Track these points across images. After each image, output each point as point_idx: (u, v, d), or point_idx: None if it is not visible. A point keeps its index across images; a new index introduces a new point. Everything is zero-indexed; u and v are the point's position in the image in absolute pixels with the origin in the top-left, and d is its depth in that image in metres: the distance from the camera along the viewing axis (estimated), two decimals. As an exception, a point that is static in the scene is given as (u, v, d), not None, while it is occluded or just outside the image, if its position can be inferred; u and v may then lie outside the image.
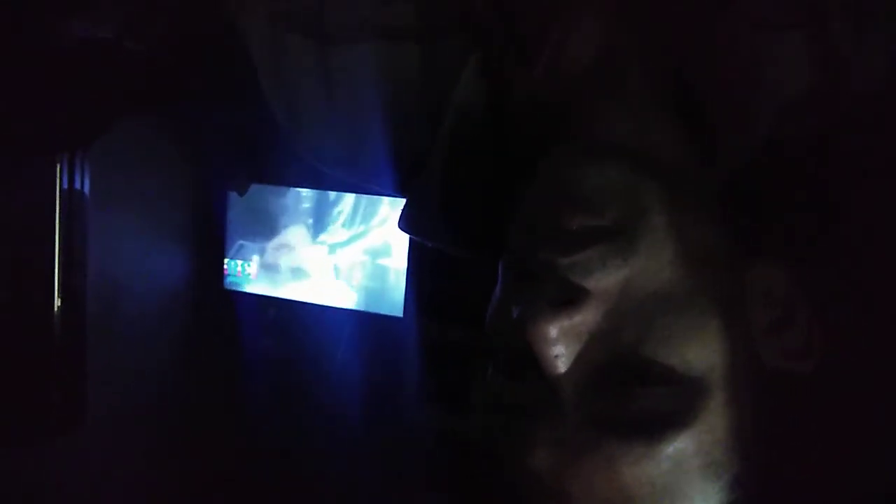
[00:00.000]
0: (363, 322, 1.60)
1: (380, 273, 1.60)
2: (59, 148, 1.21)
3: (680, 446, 0.30)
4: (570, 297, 0.32)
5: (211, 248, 1.71)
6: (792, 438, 0.32)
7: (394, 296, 1.58)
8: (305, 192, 1.65)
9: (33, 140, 1.13)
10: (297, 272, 1.68)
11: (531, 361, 0.33)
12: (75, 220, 1.25)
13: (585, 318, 0.32)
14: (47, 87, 1.01)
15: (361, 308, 1.61)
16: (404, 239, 1.59)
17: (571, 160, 0.36)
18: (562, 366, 0.31)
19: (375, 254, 1.61)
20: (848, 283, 0.32)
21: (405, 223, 0.50)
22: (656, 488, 0.30)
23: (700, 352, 0.31)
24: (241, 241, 1.72)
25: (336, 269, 1.65)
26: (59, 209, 1.22)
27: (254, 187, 1.68)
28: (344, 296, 1.64)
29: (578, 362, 0.32)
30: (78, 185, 1.25)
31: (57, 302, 1.21)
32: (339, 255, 1.64)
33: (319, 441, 1.53)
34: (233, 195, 1.70)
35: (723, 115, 0.34)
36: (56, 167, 1.21)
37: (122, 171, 1.43)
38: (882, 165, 0.32)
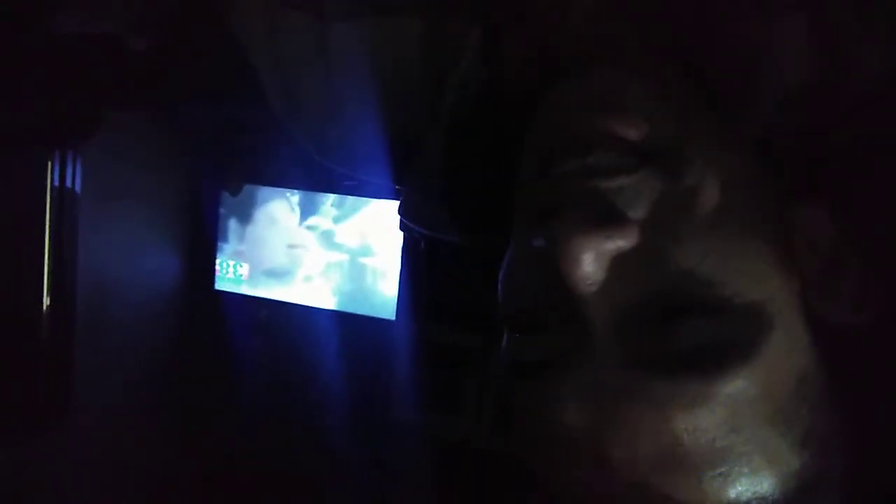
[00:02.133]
0: (353, 324, 1.59)
1: (369, 276, 1.60)
2: (50, 145, 1.20)
3: (741, 386, 0.25)
4: (603, 219, 0.28)
5: (202, 248, 1.70)
6: (860, 395, 0.28)
7: (386, 299, 1.57)
8: (298, 193, 1.65)
9: (24, 136, 1.12)
10: (288, 274, 1.67)
11: (555, 309, 0.29)
12: (66, 218, 1.24)
13: (625, 244, 0.27)
14: (39, 83, 1.00)
15: (352, 310, 1.60)
16: (396, 242, 1.59)
17: (599, 74, 0.31)
18: (594, 290, 0.27)
19: (365, 257, 1.60)
20: None
21: (404, 211, 0.48)
22: (716, 440, 0.25)
23: (758, 281, 0.27)
24: (233, 243, 1.71)
25: (327, 271, 1.64)
26: (50, 207, 1.21)
27: (247, 188, 1.67)
28: (334, 298, 1.63)
29: (614, 297, 0.28)
30: (69, 183, 1.24)
31: (45, 300, 1.20)
32: (331, 256, 1.63)
33: (308, 442, 1.52)
34: (225, 195, 1.69)
35: (723, 97, 0.32)
36: (47, 164, 1.20)
37: (115, 169, 1.42)
38: None
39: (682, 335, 0.26)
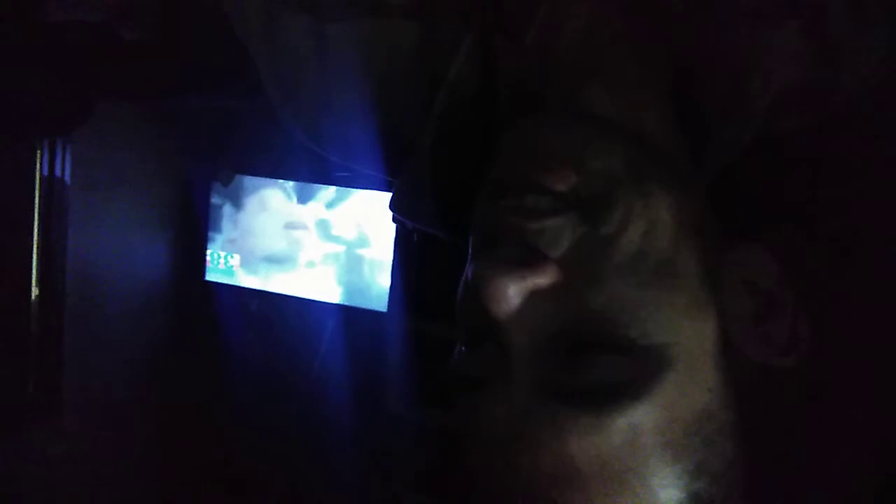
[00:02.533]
0: (346, 316, 1.59)
1: (363, 267, 1.60)
2: (39, 134, 1.19)
3: (633, 420, 0.28)
4: (530, 260, 0.31)
5: (193, 238, 1.70)
6: (768, 433, 0.31)
7: (378, 290, 1.57)
8: (290, 184, 1.64)
9: (13, 125, 1.11)
10: (280, 265, 1.67)
11: (488, 331, 0.31)
12: (55, 208, 1.23)
13: (542, 282, 0.30)
14: (29, 72, 0.99)
15: (345, 302, 1.60)
16: (389, 234, 1.59)
17: (547, 121, 0.34)
18: (510, 323, 0.30)
19: (358, 248, 1.60)
20: (839, 278, 0.31)
21: (395, 206, 0.49)
22: (606, 465, 0.28)
23: (663, 325, 0.29)
24: (223, 233, 1.70)
25: (320, 262, 1.64)
26: (39, 197, 1.20)
27: (237, 178, 1.66)
28: (327, 290, 1.63)
29: (532, 327, 0.31)
30: (59, 173, 1.23)
31: (34, 291, 1.19)
32: (323, 247, 1.63)
33: (301, 434, 1.52)
34: (216, 185, 1.68)
35: (715, 103, 0.33)
36: (36, 153, 1.19)
37: (105, 159, 1.41)
38: (879, 156, 0.30)
39: (585, 369, 0.29)
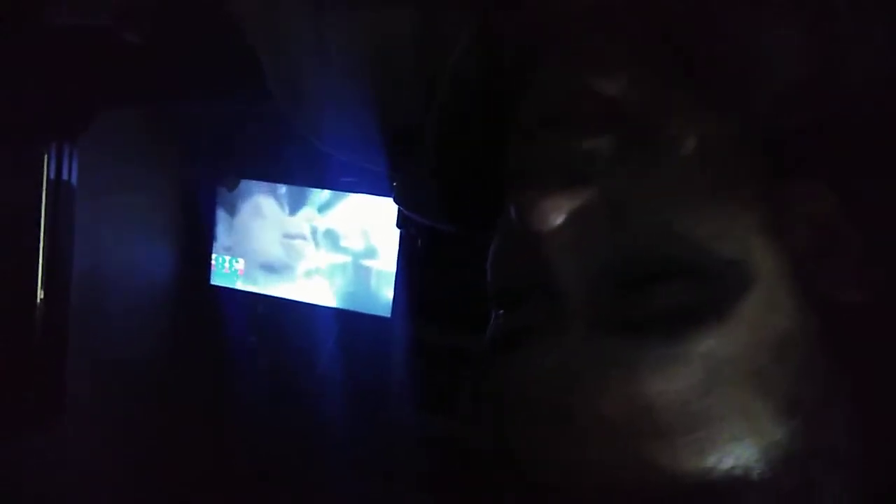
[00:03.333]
0: (350, 321, 1.59)
1: (367, 272, 1.59)
2: (47, 138, 1.20)
3: (714, 346, 0.25)
4: (568, 181, 0.28)
5: (198, 243, 1.70)
6: (857, 373, 0.27)
7: (382, 295, 1.57)
8: (295, 188, 1.64)
9: (21, 129, 1.12)
10: (284, 269, 1.67)
11: (533, 283, 0.29)
12: (61, 211, 1.23)
13: (591, 203, 0.27)
14: (37, 77, 1.00)
15: (349, 307, 1.60)
16: (394, 239, 1.59)
17: (587, 43, 0.31)
18: (561, 249, 0.27)
19: (362, 255, 1.60)
20: None
21: (400, 198, 0.48)
22: (690, 403, 0.25)
23: (735, 240, 0.26)
24: (227, 237, 1.71)
25: (324, 267, 1.64)
26: (46, 200, 1.20)
27: (243, 183, 1.67)
28: (331, 294, 1.63)
29: (583, 262, 0.27)
30: (66, 177, 1.24)
31: (40, 294, 1.19)
32: (327, 253, 1.63)
33: (304, 440, 1.52)
34: (222, 190, 1.69)
35: (717, 96, 0.31)
36: (43, 157, 1.19)
37: (111, 163, 1.41)
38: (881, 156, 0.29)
39: (653, 296, 0.26)
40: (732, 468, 0.25)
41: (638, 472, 0.25)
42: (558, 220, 0.27)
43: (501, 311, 0.32)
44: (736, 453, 0.25)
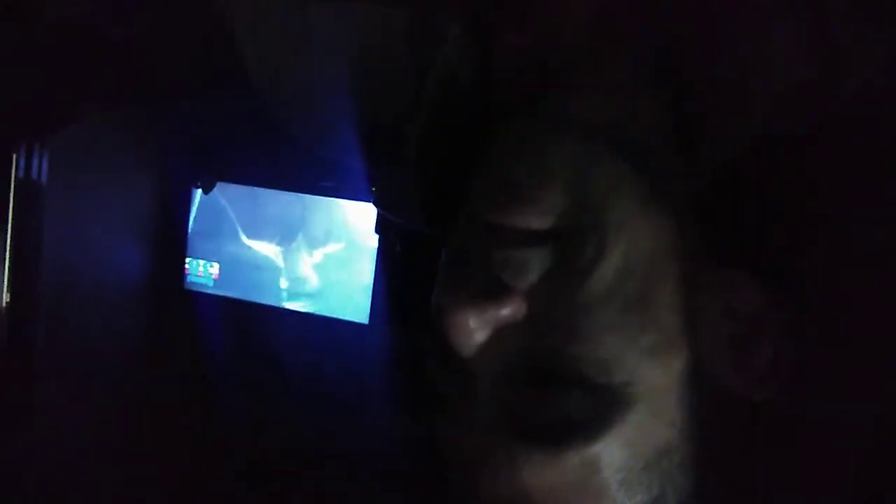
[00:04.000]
0: (327, 327, 1.57)
1: (344, 278, 1.58)
2: (16, 136, 1.17)
3: (588, 458, 0.28)
4: (494, 292, 0.30)
5: (173, 246, 1.67)
6: (741, 467, 0.30)
7: (359, 302, 1.56)
8: (272, 192, 1.63)
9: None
10: (260, 274, 1.65)
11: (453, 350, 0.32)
12: (30, 211, 1.21)
13: (504, 315, 0.30)
14: (8, 72, 0.97)
15: (325, 313, 1.59)
16: (371, 245, 1.58)
17: (534, 131, 0.33)
18: (469, 349, 0.30)
19: (340, 259, 1.59)
20: (828, 304, 0.30)
21: (380, 200, 0.48)
22: (560, 499, 0.29)
23: (627, 366, 0.29)
24: (203, 241, 1.68)
25: (300, 272, 1.62)
26: (13, 199, 1.17)
27: (219, 185, 1.64)
28: (307, 300, 1.61)
29: (495, 354, 0.30)
30: (35, 176, 1.21)
31: (5, 296, 1.16)
32: (304, 257, 1.62)
33: (279, 444, 1.50)
34: (197, 192, 1.66)
35: (713, 105, 0.31)
36: (12, 156, 1.17)
37: (83, 163, 1.38)
38: (876, 168, 0.29)
39: (543, 403, 0.29)
40: None
41: None
42: (471, 337, 0.30)
43: (435, 365, 0.35)
44: None
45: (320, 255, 1.61)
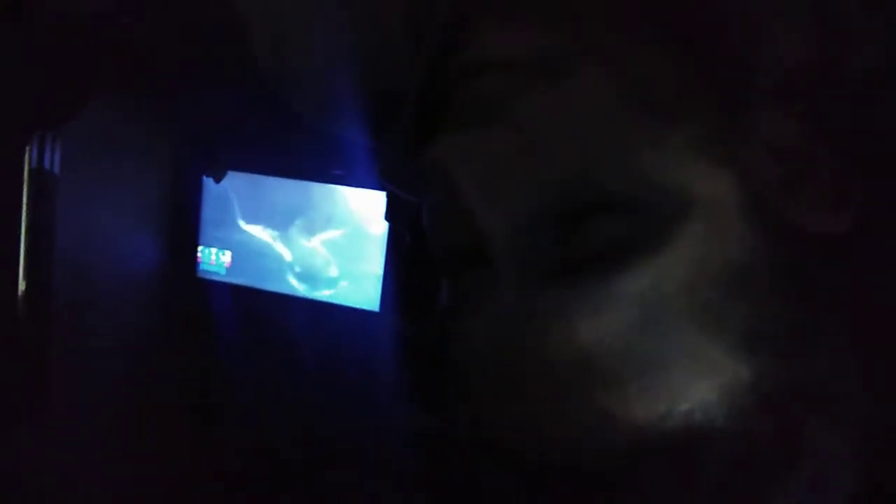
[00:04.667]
0: (338, 314, 1.58)
1: (355, 266, 1.59)
2: (29, 127, 1.18)
3: (651, 280, 0.23)
4: (488, 122, 0.26)
5: (184, 235, 1.68)
6: (830, 306, 0.24)
7: (370, 289, 1.56)
8: (283, 181, 1.63)
9: (2, 118, 1.10)
10: (271, 262, 1.66)
11: (466, 249, 0.27)
12: (43, 201, 1.21)
13: (502, 140, 0.26)
14: (19, 65, 0.98)
15: (336, 301, 1.59)
16: (382, 233, 1.58)
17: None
18: (486, 201, 0.26)
19: (351, 247, 1.59)
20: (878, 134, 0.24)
21: (381, 171, 0.46)
22: (632, 347, 0.23)
23: (668, 166, 0.24)
24: (215, 229, 1.69)
25: (311, 260, 1.63)
26: (27, 190, 1.18)
27: (230, 174, 1.65)
28: (318, 288, 1.62)
29: (508, 211, 0.25)
30: (48, 166, 1.22)
31: (21, 285, 1.17)
32: (314, 245, 1.62)
33: (293, 434, 1.51)
34: (208, 181, 1.67)
35: (719, 78, 0.29)
36: (25, 147, 1.17)
37: (95, 153, 1.39)
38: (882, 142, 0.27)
39: (580, 236, 0.24)
40: (691, 413, 0.23)
41: (593, 425, 0.23)
42: (480, 169, 0.26)
43: (447, 280, 0.31)
44: (692, 397, 0.23)
45: (330, 243, 1.61)
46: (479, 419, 0.28)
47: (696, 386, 0.22)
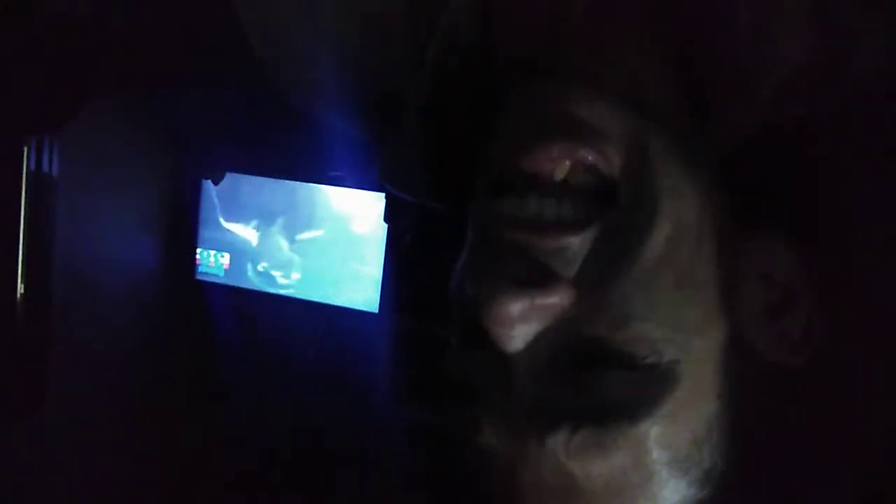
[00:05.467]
0: (336, 316, 1.58)
1: (353, 268, 1.59)
2: (28, 128, 1.17)
3: (639, 439, 0.27)
4: (540, 279, 0.28)
5: (183, 237, 1.68)
6: (776, 435, 0.29)
7: (368, 291, 1.56)
8: (281, 183, 1.63)
9: (1, 119, 1.10)
10: (270, 263, 1.66)
11: (487, 336, 0.29)
12: (42, 203, 1.21)
13: (553, 305, 0.28)
14: (17, 66, 0.98)
15: (335, 302, 1.59)
16: (380, 233, 1.58)
17: (554, 89, 0.30)
18: (518, 345, 0.28)
19: (349, 249, 1.59)
20: (856, 272, 0.28)
21: (384, 174, 0.46)
22: (611, 483, 0.27)
23: (674, 343, 0.28)
24: (213, 231, 1.69)
25: (309, 261, 1.63)
26: (26, 192, 1.18)
27: (228, 176, 1.65)
28: (317, 290, 1.62)
29: (536, 343, 0.29)
30: (46, 168, 1.22)
31: (20, 288, 1.17)
32: (314, 247, 1.62)
33: (291, 435, 1.51)
34: (207, 184, 1.67)
35: (720, 81, 0.30)
36: (24, 148, 1.17)
37: (94, 155, 1.39)
38: (892, 144, 0.29)
39: (590, 386, 0.28)
40: None
41: None
42: (518, 332, 0.28)
43: (459, 348, 0.33)
44: None
45: (329, 245, 1.61)
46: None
47: None
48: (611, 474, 0.28)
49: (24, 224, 1.18)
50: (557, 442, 0.28)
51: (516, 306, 0.28)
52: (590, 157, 0.28)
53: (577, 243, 0.28)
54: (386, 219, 1.45)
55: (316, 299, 1.61)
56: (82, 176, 1.35)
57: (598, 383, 0.28)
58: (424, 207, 0.46)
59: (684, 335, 0.28)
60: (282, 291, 1.63)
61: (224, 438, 1.56)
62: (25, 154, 1.17)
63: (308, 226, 1.62)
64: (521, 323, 0.28)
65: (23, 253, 1.17)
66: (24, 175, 1.17)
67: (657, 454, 0.27)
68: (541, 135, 0.29)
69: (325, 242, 1.61)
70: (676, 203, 0.28)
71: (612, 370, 0.28)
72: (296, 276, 1.63)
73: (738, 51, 0.28)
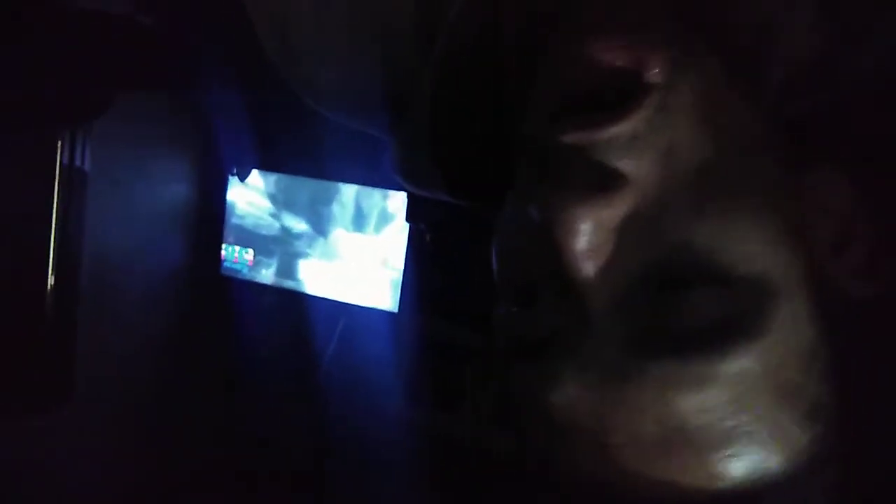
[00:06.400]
0: (357, 315, 1.59)
1: (374, 266, 1.59)
2: (61, 124, 1.20)
3: (747, 364, 0.24)
4: (603, 184, 0.25)
5: (209, 233, 1.70)
6: (875, 372, 0.26)
7: (388, 291, 1.57)
8: (306, 180, 1.64)
9: (35, 114, 1.13)
10: (293, 260, 1.67)
11: (550, 281, 0.27)
12: (73, 197, 1.24)
13: (623, 208, 0.25)
14: (52, 62, 1.00)
15: (355, 301, 1.60)
16: (402, 233, 1.59)
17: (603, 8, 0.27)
18: (592, 266, 0.25)
19: (370, 247, 1.60)
20: None
21: (397, 169, 0.45)
22: (722, 421, 0.24)
23: (762, 246, 0.25)
24: (238, 227, 1.71)
25: (333, 259, 1.64)
26: (58, 186, 1.21)
27: (254, 173, 1.67)
28: (339, 288, 1.62)
29: (611, 270, 0.26)
30: (78, 163, 1.24)
31: (50, 280, 1.20)
32: (337, 245, 1.63)
33: (309, 433, 1.52)
34: (233, 180, 1.69)
35: (745, 56, 0.29)
36: (57, 143, 1.20)
37: (124, 150, 1.42)
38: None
39: (684, 310, 0.25)
40: (757, 475, 0.25)
41: (670, 488, 0.25)
42: (594, 235, 0.25)
43: (514, 308, 0.30)
44: (764, 464, 0.25)
45: (351, 243, 1.62)
46: (548, 459, 0.29)
47: (770, 453, 0.25)
48: (722, 410, 0.24)
49: (57, 217, 1.20)
50: (664, 370, 0.24)
51: (587, 214, 0.25)
52: (628, 58, 0.26)
53: (629, 125, 0.26)
54: (407, 218, 1.46)
55: (336, 298, 1.61)
56: (112, 170, 1.37)
57: (693, 303, 0.25)
58: (444, 207, 0.45)
59: (767, 240, 0.25)
60: (302, 289, 1.65)
61: (246, 432, 1.57)
62: (59, 148, 1.20)
63: (330, 224, 1.63)
64: (595, 236, 0.25)
65: (54, 245, 1.20)
66: (56, 169, 1.20)
67: (766, 382, 0.25)
68: (610, 20, 0.27)
69: (347, 241, 1.62)
70: (728, 104, 0.26)
71: (704, 288, 0.25)
72: (317, 273, 1.64)
73: (743, 41, 0.27)
